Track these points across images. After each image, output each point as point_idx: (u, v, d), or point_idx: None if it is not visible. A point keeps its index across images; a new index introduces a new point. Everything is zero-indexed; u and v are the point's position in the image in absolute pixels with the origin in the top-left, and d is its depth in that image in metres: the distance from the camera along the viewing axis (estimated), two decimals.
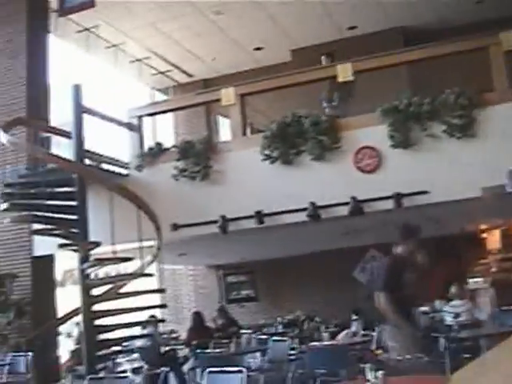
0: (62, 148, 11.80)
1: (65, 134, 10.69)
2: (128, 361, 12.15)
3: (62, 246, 9.97)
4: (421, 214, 9.91)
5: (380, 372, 4.86)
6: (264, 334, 12.80)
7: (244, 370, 6.49)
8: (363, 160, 9.60)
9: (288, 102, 12.05)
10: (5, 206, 9.90)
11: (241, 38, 16.20)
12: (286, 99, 12.28)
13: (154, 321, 11.91)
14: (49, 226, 10.10)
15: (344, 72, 10.10)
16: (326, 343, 10.63)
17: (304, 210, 9.61)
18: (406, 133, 9.41)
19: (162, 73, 17.75)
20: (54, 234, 10.05)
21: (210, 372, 6.66)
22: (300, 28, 15.63)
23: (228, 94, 10.66)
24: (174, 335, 15.01)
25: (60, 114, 12.81)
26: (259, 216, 9.87)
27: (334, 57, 12.33)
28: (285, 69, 13.79)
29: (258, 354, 11.40)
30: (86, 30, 15.07)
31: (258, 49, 16.95)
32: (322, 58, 12.31)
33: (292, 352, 10.68)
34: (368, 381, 4.91)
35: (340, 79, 10.20)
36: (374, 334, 10.12)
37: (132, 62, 16.87)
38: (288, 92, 11.44)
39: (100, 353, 9.75)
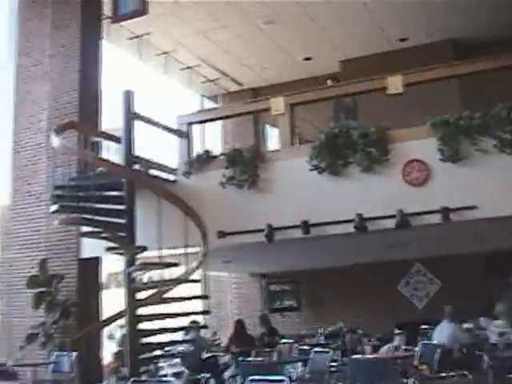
0: (112, 152, 12.00)
1: (115, 139, 10.83)
2: (169, 365, 12.22)
3: (109, 249, 10.09)
4: (468, 229, 9.81)
5: None
6: (306, 345, 12.76)
7: (286, 379, 6.47)
8: (412, 173, 9.53)
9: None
10: (54, 207, 10.02)
11: (291, 47, 16.26)
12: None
13: (196, 327, 11.95)
14: (97, 229, 10.22)
15: (394, 84, 10.05)
16: (368, 356, 10.56)
17: (350, 221, 9.57)
18: (456, 146, 9.30)
19: (211, 81, 17.89)
20: (102, 236, 10.17)
21: (252, 380, 6.64)
22: (350, 39, 15.64)
23: (277, 104, 10.69)
24: (215, 342, 15.03)
25: (110, 119, 13.01)
26: (305, 226, 9.85)
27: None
28: (334, 79, 13.76)
29: (299, 364, 11.38)
30: (138, 37, 15.30)
31: (308, 59, 16.98)
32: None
33: (333, 364, 10.63)
34: None
35: (390, 91, 10.14)
36: (417, 349, 10.03)
37: (182, 70, 17.04)
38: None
39: (142, 356, 9.85)
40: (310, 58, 16.88)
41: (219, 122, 17.44)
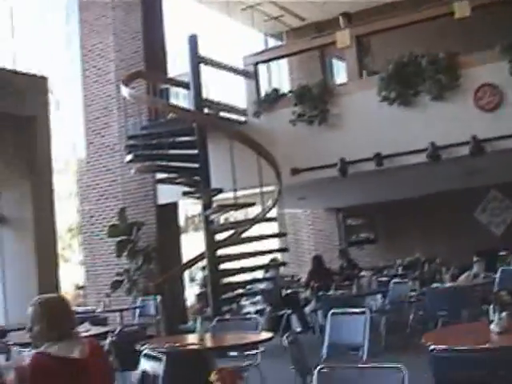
0: (181, 98, 12.08)
1: (183, 85, 10.89)
2: (251, 303, 12.45)
3: (185, 193, 10.25)
4: None
5: (505, 313, 4.82)
6: (384, 276, 12.80)
7: (367, 311, 6.52)
8: (484, 98, 9.36)
9: (404, 40, 11.81)
10: (129, 157, 10.19)
11: None
12: (401, 37, 12.02)
13: (275, 264, 12.11)
14: (172, 175, 10.36)
15: (461, 9, 9.80)
16: (447, 285, 10.55)
17: (424, 150, 9.50)
18: None
19: (274, 18, 17.68)
20: (177, 182, 10.33)
21: (333, 313, 6.71)
22: None
23: (343, 37, 10.57)
24: (295, 278, 15.20)
25: (177, 64, 13.07)
26: (378, 158, 9.82)
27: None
28: (399, 7, 13.47)
29: (378, 296, 11.45)
30: None
31: None
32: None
33: (412, 294, 10.66)
34: (491, 322, 4.88)
35: (457, 16, 9.90)
36: (496, 275, 9.96)
37: (244, 10, 16.88)
38: (403, 30, 11.20)
39: (224, 296, 10.06)
40: None
41: (285, 60, 17.28)
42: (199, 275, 13.13)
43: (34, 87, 11.54)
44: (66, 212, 20.22)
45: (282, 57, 13.68)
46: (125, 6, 12.87)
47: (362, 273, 13.39)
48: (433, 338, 5.05)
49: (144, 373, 4.64)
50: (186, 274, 12.84)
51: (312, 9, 17.29)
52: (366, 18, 12.91)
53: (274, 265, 12.00)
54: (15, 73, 11.92)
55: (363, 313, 6.49)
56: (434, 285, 10.61)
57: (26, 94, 11.22)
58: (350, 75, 10.81)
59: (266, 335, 6.28)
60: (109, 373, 3.92)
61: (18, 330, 8.65)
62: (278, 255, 12.61)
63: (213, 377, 3.67)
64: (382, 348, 8.82)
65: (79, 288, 16.87)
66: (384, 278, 12.24)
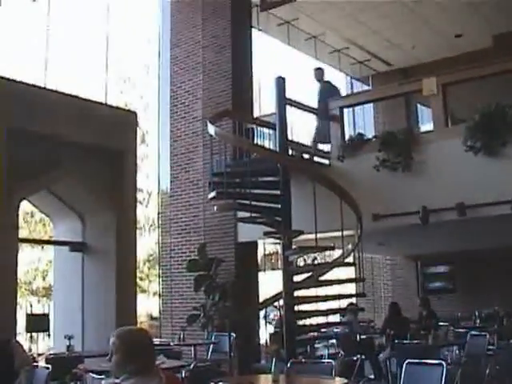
0: (265, 138, 12.21)
1: (269, 126, 11.03)
2: (324, 346, 12.38)
3: (266, 233, 10.29)
4: None
5: None
6: (461, 328, 12.56)
7: (443, 363, 6.41)
8: None
9: (490, 88, 11.71)
10: (212, 194, 10.32)
11: (440, 25, 15.90)
12: (487, 86, 11.93)
13: (355, 309, 12.02)
14: (253, 214, 10.45)
15: None
16: None
17: (508, 202, 9.34)
18: None
19: (360, 62, 17.82)
20: (258, 221, 10.39)
21: (409, 363, 6.63)
22: (502, 13, 15.08)
23: (430, 84, 10.54)
24: (371, 324, 15.05)
25: (263, 105, 13.26)
26: (461, 208, 9.71)
27: None
28: (486, 55, 13.40)
29: (455, 348, 11.23)
30: (287, 22, 15.46)
31: (459, 36, 16.53)
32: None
33: (490, 347, 10.43)
34: None
35: None
36: None
37: (331, 53, 17.07)
38: (490, 78, 11.11)
39: (299, 338, 10.03)
40: (461, 34, 16.42)
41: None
42: (273, 315, 13.14)
43: (123, 121, 11.89)
44: (145, 243, 20.58)
45: (369, 101, 13.72)
46: (215, 45, 13.19)
47: (439, 323, 13.17)
48: None
49: None
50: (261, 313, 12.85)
51: (399, 54, 17.36)
52: (452, 64, 12.84)
53: (352, 309, 11.91)
54: (106, 106, 12.31)
55: (440, 365, 6.38)
56: None
57: (116, 128, 11.57)
58: (435, 123, 10.76)
59: (340, 381, 6.26)
60: None
61: (94, 356, 8.85)
62: (355, 300, 12.53)
63: None
64: None
65: (153, 319, 17.10)
66: (461, 330, 12.01)
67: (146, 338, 3.71)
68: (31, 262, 19.94)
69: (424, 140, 10.51)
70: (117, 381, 3.52)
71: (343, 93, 14.05)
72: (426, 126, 14.10)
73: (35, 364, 7.77)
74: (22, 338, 11.06)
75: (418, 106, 17.10)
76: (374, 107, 17.86)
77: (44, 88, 11.41)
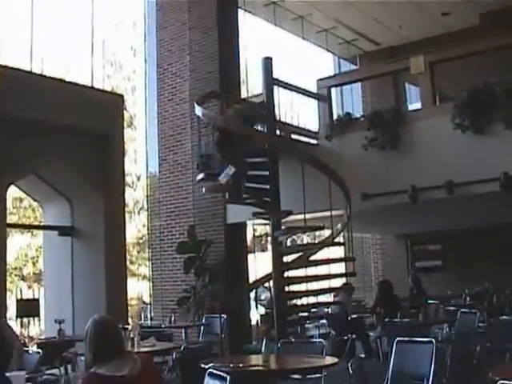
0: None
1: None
2: (315, 326, 12.40)
3: (255, 214, 10.28)
4: None
5: None
6: (451, 306, 12.59)
7: (433, 341, 6.41)
8: None
9: (477, 66, 11.68)
10: (201, 176, 10.29)
11: (428, 3, 15.81)
12: (475, 64, 11.90)
13: (350, 288, 12.04)
14: (242, 195, 10.41)
15: None
16: None
17: (496, 179, 9.35)
18: None
19: (348, 42, 17.75)
20: (247, 202, 10.37)
21: (399, 341, 6.64)
22: None
23: (417, 63, 10.52)
24: (361, 303, 15.07)
25: (250, 85, 13.19)
26: (450, 186, 9.72)
27: None
28: (473, 33, 13.36)
29: (445, 325, 11.26)
30: (273, 3, 15.37)
31: (446, 14, 16.46)
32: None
33: (480, 325, 10.46)
34: None
35: None
36: None
37: (318, 33, 16.99)
38: (477, 56, 11.09)
39: (290, 318, 10.04)
40: (448, 13, 16.35)
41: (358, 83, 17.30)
42: (263, 296, 13.14)
43: (110, 104, 11.83)
44: (133, 226, 20.52)
45: (356, 81, 13.69)
46: (201, 27, 13.09)
47: (429, 301, 13.20)
48: (501, 371, 4.96)
49: None
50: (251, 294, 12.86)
51: (386, 33, 17.28)
52: (439, 43, 12.80)
53: (347, 289, 11.93)
54: (93, 89, 12.22)
55: (429, 342, 6.38)
56: (503, 317, 10.40)
57: (103, 111, 11.50)
58: (423, 101, 10.74)
59: (331, 360, 6.23)
60: None
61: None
62: (344, 279, 12.54)
63: None
64: (447, 379, 8.67)
65: (144, 302, 17.09)
66: (451, 308, 12.04)
67: (109, 324, 3.80)
68: (21, 248, 19.88)
69: (412, 118, 10.50)
70: (91, 370, 3.58)
71: (331, 73, 14.02)
72: (415, 104, 14.08)
73: (26, 348, 7.76)
74: (13, 323, 11.03)
75: (407, 85, 17.10)
76: (362, 87, 17.84)
77: (30, 72, 11.31)
